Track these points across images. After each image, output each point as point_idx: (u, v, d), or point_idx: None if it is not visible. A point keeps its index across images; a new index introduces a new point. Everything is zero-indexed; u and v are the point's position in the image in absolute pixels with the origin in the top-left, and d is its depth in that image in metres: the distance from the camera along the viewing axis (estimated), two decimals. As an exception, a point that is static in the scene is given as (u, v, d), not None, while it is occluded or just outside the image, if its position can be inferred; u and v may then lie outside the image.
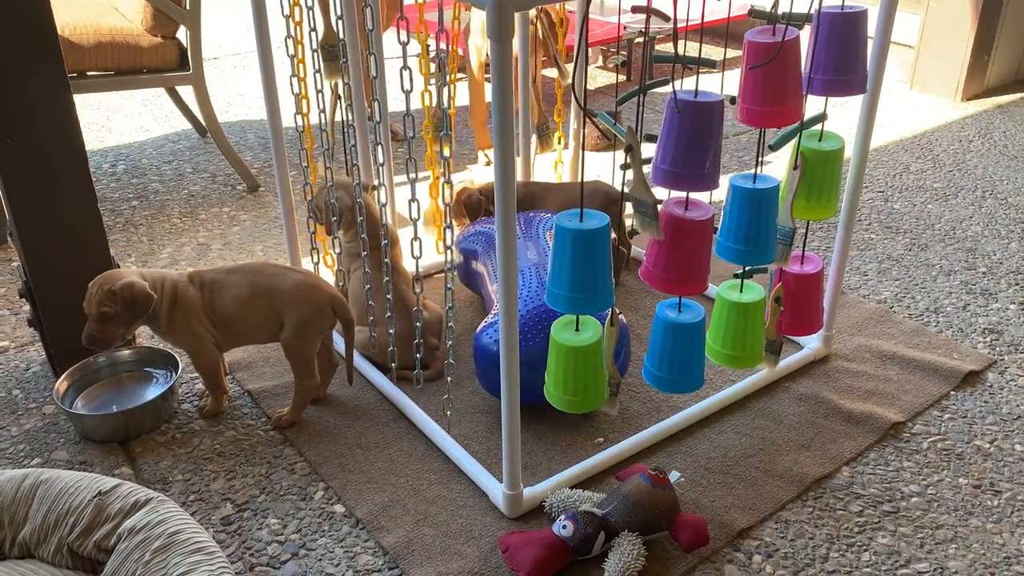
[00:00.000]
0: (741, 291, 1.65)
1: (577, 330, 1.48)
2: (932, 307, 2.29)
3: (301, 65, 1.95)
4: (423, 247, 1.71)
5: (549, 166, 2.96)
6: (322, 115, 1.96)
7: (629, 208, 1.44)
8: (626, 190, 1.42)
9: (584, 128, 1.47)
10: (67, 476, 1.40)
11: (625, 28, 3.97)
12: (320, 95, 1.92)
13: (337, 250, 2.04)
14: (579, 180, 2.34)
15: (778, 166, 3.13)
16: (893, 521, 1.61)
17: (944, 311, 2.27)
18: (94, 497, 1.34)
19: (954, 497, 1.67)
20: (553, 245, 1.37)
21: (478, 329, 1.84)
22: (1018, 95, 3.93)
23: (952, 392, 1.95)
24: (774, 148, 1.61)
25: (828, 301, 1.97)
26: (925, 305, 2.30)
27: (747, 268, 1.64)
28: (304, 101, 1.99)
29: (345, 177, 2.04)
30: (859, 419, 1.85)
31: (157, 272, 1.76)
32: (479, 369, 1.82)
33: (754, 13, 1.49)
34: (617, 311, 1.55)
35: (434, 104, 2.46)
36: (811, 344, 2.06)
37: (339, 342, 1.98)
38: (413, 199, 1.67)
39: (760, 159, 1.56)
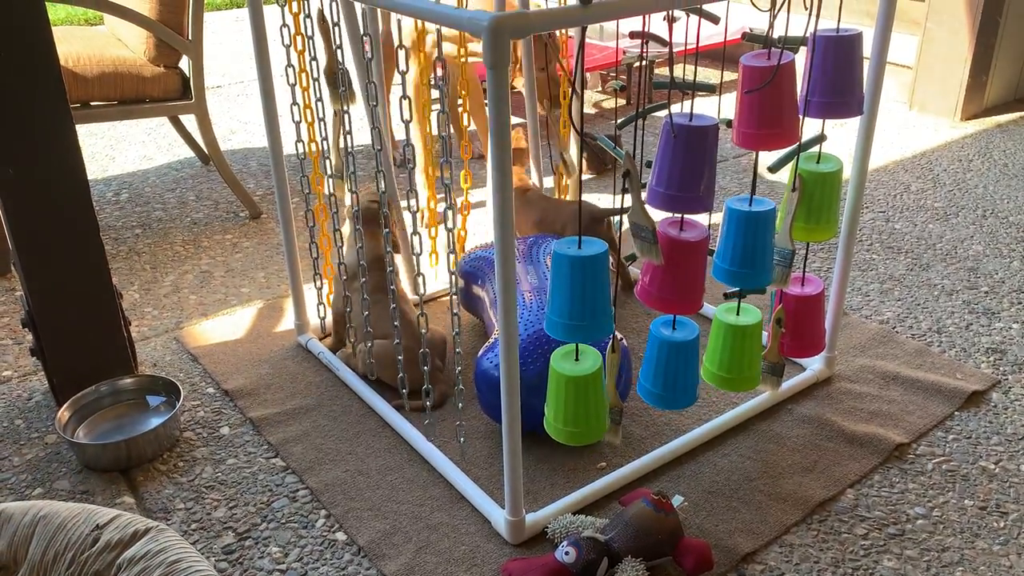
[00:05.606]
0: (738, 314, 1.65)
1: (577, 359, 1.46)
2: (935, 327, 2.29)
3: (305, 93, 1.97)
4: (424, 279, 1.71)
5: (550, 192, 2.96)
6: (324, 143, 1.97)
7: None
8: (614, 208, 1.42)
9: (583, 154, 1.48)
10: (65, 510, 1.38)
11: (624, 53, 4.00)
12: (322, 123, 1.93)
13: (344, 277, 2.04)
14: (558, 198, 2.36)
15: (779, 187, 3.13)
16: (899, 544, 1.60)
17: (947, 331, 2.27)
18: (92, 531, 1.33)
19: (960, 519, 1.65)
20: (551, 272, 1.36)
21: (479, 353, 1.84)
22: (1017, 114, 3.94)
23: (956, 413, 1.94)
24: (773, 170, 1.61)
25: (830, 322, 1.97)
26: (928, 325, 2.29)
27: (733, 291, 1.63)
28: (309, 128, 2.00)
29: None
30: (863, 441, 1.84)
31: None
32: (480, 394, 1.81)
33: (749, 38, 1.50)
34: (619, 337, 1.54)
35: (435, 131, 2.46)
36: (813, 366, 2.05)
37: (336, 363, 1.97)
38: (415, 232, 1.67)
39: (755, 182, 1.56)
